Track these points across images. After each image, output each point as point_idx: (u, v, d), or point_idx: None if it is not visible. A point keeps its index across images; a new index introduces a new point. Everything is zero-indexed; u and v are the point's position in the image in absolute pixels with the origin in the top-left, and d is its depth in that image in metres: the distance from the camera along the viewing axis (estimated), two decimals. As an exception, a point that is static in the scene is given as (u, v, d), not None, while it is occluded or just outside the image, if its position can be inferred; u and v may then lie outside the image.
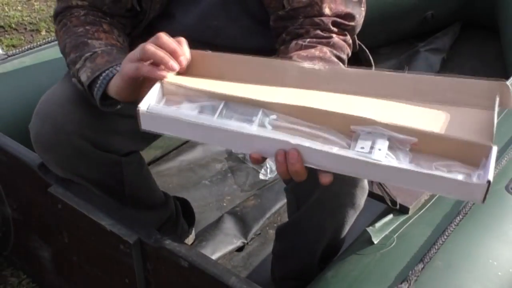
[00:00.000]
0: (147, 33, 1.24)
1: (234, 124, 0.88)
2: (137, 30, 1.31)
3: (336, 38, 1.17)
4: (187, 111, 0.92)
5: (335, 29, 1.17)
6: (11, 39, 3.03)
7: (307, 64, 0.98)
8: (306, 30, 1.18)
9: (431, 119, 0.86)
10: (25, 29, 3.15)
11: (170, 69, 0.95)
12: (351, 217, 1.27)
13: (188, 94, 0.95)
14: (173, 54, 0.95)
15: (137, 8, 1.26)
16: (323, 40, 1.15)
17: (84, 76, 1.09)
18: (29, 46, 1.77)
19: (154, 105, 0.94)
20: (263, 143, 0.88)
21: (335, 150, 0.83)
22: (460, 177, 0.78)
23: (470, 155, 0.81)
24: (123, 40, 1.23)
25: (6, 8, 3.32)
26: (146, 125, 0.96)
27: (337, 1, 1.18)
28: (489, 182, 0.77)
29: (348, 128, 0.85)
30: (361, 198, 1.22)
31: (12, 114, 1.58)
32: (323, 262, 1.39)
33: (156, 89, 0.95)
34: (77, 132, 1.16)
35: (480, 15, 2.89)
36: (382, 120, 0.84)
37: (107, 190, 1.28)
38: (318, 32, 1.16)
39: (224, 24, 1.28)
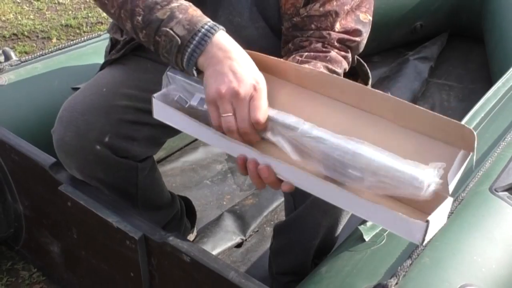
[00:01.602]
0: None
1: None
2: None
3: (333, 53, 1.15)
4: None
5: (338, 45, 1.16)
6: (24, 46, 3.03)
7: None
8: (309, 42, 1.17)
9: (401, 149, 0.84)
10: (37, 36, 3.15)
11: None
12: (344, 217, 1.27)
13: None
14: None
15: None
16: (321, 55, 1.14)
17: (180, 29, 0.93)
18: (40, 52, 1.77)
19: (168, 95, 0.97)
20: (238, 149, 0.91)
21: (293, 167, 0.85)
22: (400, 213, 0.76)
23: (425, 204, 0.79)
24: None
25: (19, 17, 3.32)
26: (157, 114, 1.00)
27: (348, 18, 1.17)
28: (428, 222, 0.73)
29: None
30: None
31: (25, 116, 1.58)
32: (317, 258, 1.39)
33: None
34: (98, 139, 1.16)
35: (466, 26, 2.90)
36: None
37: (121, 193, 1.28)
38: (319, 46, 1.15)
39: (245, 23, 1.27)
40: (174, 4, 0.95)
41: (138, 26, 0.97)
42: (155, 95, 0.99)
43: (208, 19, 0.94)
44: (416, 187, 0.76)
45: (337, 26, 1.16)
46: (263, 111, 0.88)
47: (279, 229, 1.44)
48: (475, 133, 0.77)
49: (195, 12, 0.95)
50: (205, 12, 1.26)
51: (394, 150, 0.82)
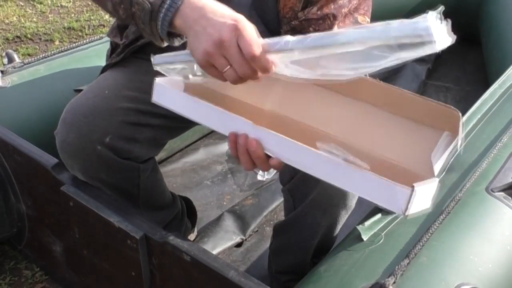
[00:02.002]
0: None
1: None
2: None
3: None
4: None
5: None
6: (27, 48, 3.03)
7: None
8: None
9: (391, 135, 0.84)
10: (40, 39, 3.15)
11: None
12: (343, 217, 1.27)
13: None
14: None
15: None
16: None
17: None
18: (43, 55, 1.77)
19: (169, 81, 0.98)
20: (234, 122, 0.89)
21: (288, 139, 0.83)
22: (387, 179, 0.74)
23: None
24: None
25: (22, 19, 3.32)
26: (157, 97, 1.00)
27: (346, 21, 1.16)
28: (413, 189, 0.71)
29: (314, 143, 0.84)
30: (353, 200, 1.23)
31: (28, 117, 1.58)
32: (316, 258, 1.39)
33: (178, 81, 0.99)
34: (100, 141, 1.16)
35: (463, 28, 2.90)
36: (343, 138, 0.83)
37: (123, 194, 1.28)
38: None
39: None
40: None
41: (117, 2, 0.96)
42: (157, 78, 0.99)
43: None
44: None
45: (335, 29, 1.16)
46: (254, 44, 0.83)
47: (279, 228, 1.44)
48: (459, 113, 0.77)
49: None
50: None
51: (382, 136, 0.82)
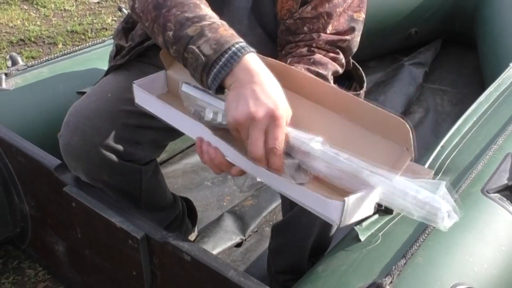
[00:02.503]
0: None
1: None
2: None
3: (318, 56, 1.13)
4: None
5: (327, 47, 1.16)
6: (30, 51, 3.04)
7: None
8: (296, 48, 1.16)
9: (348, 144, 0.86)
10: (44, 42, 3.15)
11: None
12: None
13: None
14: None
15: None
16: (304, 59, 1.12)
17: (207, 48, 0.88)
18: (47, 58, 1.78)
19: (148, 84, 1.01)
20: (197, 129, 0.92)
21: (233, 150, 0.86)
22: (319, 195, 0.78)
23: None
24: None
25: (26, 23, 3.32)
26: (138, 100, 1.03)
27: (340, 20, 1.16)
28: (344, 202, 0.75)
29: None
30: None
31: (31, 119, 1.58)
32: (313, 257, 1.39)
33: (160, 76, 1.03)
34: (103, 143, 1.17)
35: (460, 32, 2.91)
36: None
37: (125, 195, 1.28)
38: (304, 50, 1.14)
39: (245, 30, 1.27)
40: (205, 22, 0.90)
41: (169, 41, 0.93)
42: (135, 82, 1.01)
43: (240, 40, 0.88)
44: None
45: (329, 28, 1.15)
46: (279, 140, 0.83)
47: (277, 229, 1.44)
48: (409, 128, 0.79)
49: (226, 31, 0.89)
50: None
51: (341, 144, 0.83)
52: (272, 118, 0.82)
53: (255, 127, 0.82)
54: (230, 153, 0.88)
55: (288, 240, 1.38)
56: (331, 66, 1.14)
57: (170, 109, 0.96)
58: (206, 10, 0.94)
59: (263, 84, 0.84)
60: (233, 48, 0.86)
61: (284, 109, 0.84)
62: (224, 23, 0.92)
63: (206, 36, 0.88)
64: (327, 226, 1.30)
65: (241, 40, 0.88)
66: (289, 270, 1.43)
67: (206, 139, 0.90)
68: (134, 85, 1.00)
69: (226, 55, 0.85)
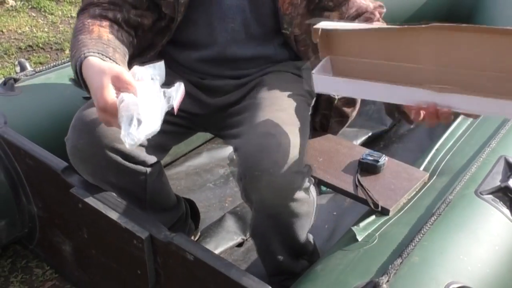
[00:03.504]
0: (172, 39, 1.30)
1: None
2: (167, 37, 1.32)
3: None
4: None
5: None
6: (38, 57, 3.04)
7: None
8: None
9: None
10: (51, 48, 3.16)
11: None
12: (297, 222, 1.24)
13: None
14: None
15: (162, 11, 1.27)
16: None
17: (73, 69, 1.08)
18: (54, 63, 1.78)
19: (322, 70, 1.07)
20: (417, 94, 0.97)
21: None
22: None
23: None
24: (122, 35, 1.21)
25: (34, 29, 3.33)
26: (318, 87, 1.08)
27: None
28: None
29: None
30: (300, 207, 1.20)
31: (39, 123, 1.58)
32: (298, 258, 1.37)
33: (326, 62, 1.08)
34: (110, 146, 1.17)
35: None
36: None
37: (131, 196, 1.28)
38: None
39: (238, 28, 1.28)
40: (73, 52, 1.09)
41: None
42: (314, 70, 1.06)
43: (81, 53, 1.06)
44: None
45: None
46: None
47: (250, 234, 1.42)
48: None
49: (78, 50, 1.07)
50: (199, 27, 1.28)
51: None
52: None
53: None
54: (462, 102, 0.95)
55: (259, 245, 1.37)
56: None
57: (371, 84, 1.00)
58: (82, 37, 1.11)
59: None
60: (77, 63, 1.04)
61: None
62: (84, 42, 1.09)
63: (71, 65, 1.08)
64: (289, 231, 1.26)
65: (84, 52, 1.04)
66: (278, 272, 1.40)
67: (431, 101, 0.96)
68: (313, 74, 1.05)
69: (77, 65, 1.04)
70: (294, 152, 1.12)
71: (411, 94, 0.97)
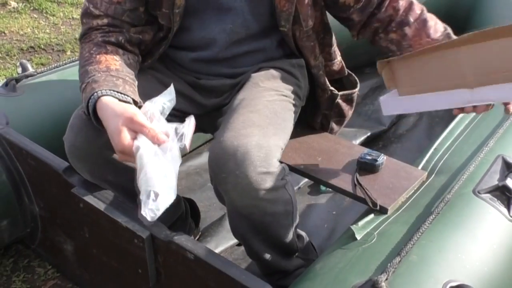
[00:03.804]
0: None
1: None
2: (165, 47, 1.32)
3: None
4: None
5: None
6: (40, 58, 3.04)
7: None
8: (392, 9, 1.30)
9: None
10: (53, 49, 3.16)
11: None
12: (275, 220, 1.23)
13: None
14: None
15: (159, 21, 1.27)
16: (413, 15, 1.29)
17: (84, 106, 1.12)
18: (56, 64, 1.78)
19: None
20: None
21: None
22: None
23: None
24: (128, 58, 1.23)
25: (36, 31, 3.33)
26: (386, 111, 1.21)
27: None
28: None
29: None
30: (272, 207, 1.19)
31: (40, 124, 1.58)
32: (289, 256, 1.36)
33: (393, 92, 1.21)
34: (107, 145, 1.16)
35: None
36: None
37: (129, 194, 1.28)
38: (399, 3, 1.29)
39: (238, 28, 1.28)
40: (83, 85, 1.13)
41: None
42: (381, 98, 1.21)
43: (97, 90, 1.10)
44: None
45: None
46: None
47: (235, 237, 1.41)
48: None
49: (91, 86, 1.11)
50: (196, 32, 1.30)
51: None
52: None
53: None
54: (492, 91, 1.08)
55: (244, 246, 1.34)
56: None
57: (429, 96, 1.15)
58: (91, 69, 1.14)
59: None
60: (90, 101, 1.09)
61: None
62: (95, 78, 1.12)
63: (82, 97, 1.13)
64: (268, 231, 1.25)
65: (97, 90, 1.09)
66: (271, 271, 1.37)
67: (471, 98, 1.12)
68: (380, 99, 1.20)
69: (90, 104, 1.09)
70: (260, 153, 1.12)
71: (455, 97, 1.12)
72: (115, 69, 1.15)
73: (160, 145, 1.00)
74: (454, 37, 1.28)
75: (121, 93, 1.10)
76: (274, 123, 1.22)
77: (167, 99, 1.06)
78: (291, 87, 1.35)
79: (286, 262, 1.35)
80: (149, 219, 0.93)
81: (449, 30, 1.31)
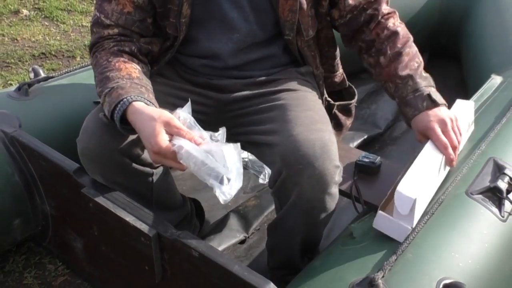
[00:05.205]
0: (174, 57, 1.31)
1: None
2: (170, 55, 1.32)
3: (396, 25, 1.31)
4: None
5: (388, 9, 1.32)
6: (51, 64, 3.04)
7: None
8: (376, 34, 1.30)
9: None
10: (63, 55, 3.16)
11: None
12: (324, 218, 1.24)
13: None
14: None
15: (164, 30, 1.28)
16: (391, 35, 1.29)
17: (106, 110, 1.12)
18: (66, 70, 1.78)
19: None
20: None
21: None
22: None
23: None
24: (143, 67, 1.23)
25: (47, 38, 3.33)
26: (377, 226, 1.11)
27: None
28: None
29: None
30: (331, 203, 1.20)
31: (52, 126, 1.58)
32: (305, 255, 1.36)
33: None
34: (118, 148, 1.17)
35: (445, 47, 2.91)
36: None
37: (138, 196, 1.28)
38: (383, 32, 1.30)
39: (243, 38, 1.28)
40: (106, 90, 1.13)
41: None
42: (380, 211, 1.09)
43: (124, 97, 1.10)
44: None
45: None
46: None
47: (270, 228, 1.42)
48: None
49: (117, 93, 1.11)
50: (202, 41, 1.30)
51: None
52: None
53: None
54: None
55: (278, 239, 1.36)
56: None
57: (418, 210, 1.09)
58: (113, 76, 1.14)
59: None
60: (118, 106, 1.09)
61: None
62: (120, 85, 1.12)
63: (106, 102, 1.12)
64: (314, 226, 1.27)
65: (127, 96, 1.09)
66: (284, 266, 1.40)
67: None
68: (379, 212, 1.09)
69: (117, 109, 1.09)
70: (332, 147, 1.15)
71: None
72: (136, 77, 1.16)
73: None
74: (421, 75, 1.36)
75: (148, 100, 1.10)
76: (327, 120, 1.26)
77: (187, 110, 1.08)
78: (313, 91, 1.37)
79: (302, 260, 1.36)
80: (222, 201, 0.97)
81: (420, 69, 1.37)
